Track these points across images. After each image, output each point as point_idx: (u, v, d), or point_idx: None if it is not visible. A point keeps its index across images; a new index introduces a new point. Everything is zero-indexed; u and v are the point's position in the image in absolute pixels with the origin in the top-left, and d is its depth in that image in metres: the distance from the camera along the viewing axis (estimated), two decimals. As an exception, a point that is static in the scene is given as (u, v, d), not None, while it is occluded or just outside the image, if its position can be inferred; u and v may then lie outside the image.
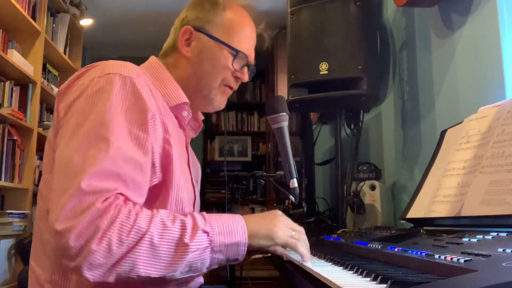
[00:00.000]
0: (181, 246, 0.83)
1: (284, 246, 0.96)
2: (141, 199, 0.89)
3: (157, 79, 1.09)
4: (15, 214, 2.66)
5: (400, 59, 2.13)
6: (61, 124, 0.92)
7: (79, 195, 0.79)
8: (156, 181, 0.96)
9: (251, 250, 0.93)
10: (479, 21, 1.51)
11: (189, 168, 1.14)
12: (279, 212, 1.00)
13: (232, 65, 1.13)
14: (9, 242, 2.68)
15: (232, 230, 0.89)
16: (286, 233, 0.96)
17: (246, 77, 1.17)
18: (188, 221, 0.86)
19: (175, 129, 1.08)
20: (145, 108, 0.92)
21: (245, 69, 1.17)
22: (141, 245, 0.80)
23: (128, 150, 0.87)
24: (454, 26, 1.65)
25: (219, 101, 1.17)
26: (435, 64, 1.80)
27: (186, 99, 1.09)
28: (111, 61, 0.98)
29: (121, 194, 0.83)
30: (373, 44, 2.03)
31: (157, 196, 0.97)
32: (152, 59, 1.15)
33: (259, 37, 1.21)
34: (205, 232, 0.86)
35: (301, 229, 1.01)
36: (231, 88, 1.17)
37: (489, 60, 1.44)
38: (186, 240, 0.83)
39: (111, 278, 0.80)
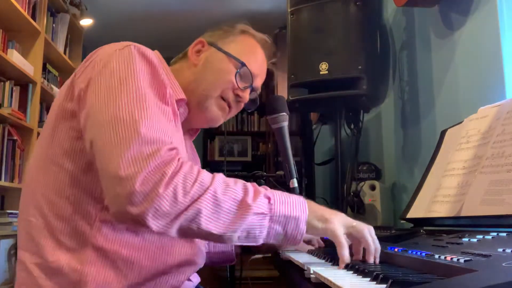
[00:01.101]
0: (243, 206, 0.83)
1: (332, 239, 0.88)
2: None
3: (162, 68, 1.09)
4: (15, 214, 2.66)
5: (400, 59, 2.13)
6: (88, 93, 0.91)
7: (139, 143, 0.81)
8: None
9: (311, 232, 0.89)
10: (479, 21, 1.51)
11: None
12: (350, 218, 0.93)
13: (236, 79, 1.12)
14: (9, 242, 2.68)
15: (293, 203, 0.87)
16: (341, 225, 0.89)
17: (246, 97, 1.15)
18: (250, 185, 0.87)
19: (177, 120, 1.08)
20: (164, 82, 0.94)
21: (247, 90, 1.15)
22: (205, 197, 0.81)
23: (161, 117, 0.89)
24: (454, 26, 1.65)
25: (215, 113, 1.14)
26: (435, 64, 1.80)
27: (183, 96, 1.09)
28: (124, 41, 0.99)
29: (177, 148, 0.84)
30: (373, 44, 2.03)
31: None
32: (157, 53, 1.14)
33: (268, 73, 1.22)
34: (267, 197, 0.85)
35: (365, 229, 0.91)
36: (229, 105, 1.15)
37: (489, 60, 1.44)
38: (249, 201, 0.83)
39: (174, 229, 0.81)
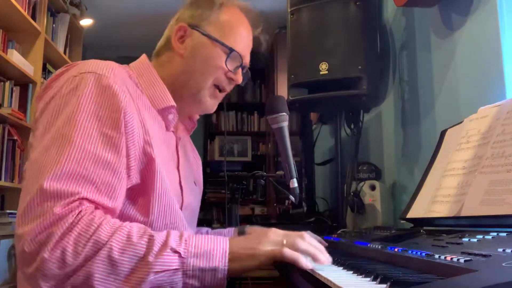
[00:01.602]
0: (143, 265, 0.76)
1: (271, 259, 0.83)
2: (114, 202, 0.84)
3: (144, 80, 1.06)
4: (15, 214, 2.66)
5: (400, 59, 2.13)
6: (35, 126, 0.90)
7: (39, 198, 0.76)
8: (130, 184, 0.91)
9: (239, 274, 0.84)
10: (479, 21, 1.51)
11: (178, 171, 1.10)
12: (271, 229, 0.89)
13: (226, 64, 1.09)
14: (9, 242, 2.68)
15: (210, 252, 0.80)
16: (272, 245, 0.84)
17: (239, 79, 1.13)
18: (159, 238, 0.79)
19: (161, 131, 1.05)
20: (119, 107, 0.88)
21: (239, 70, 1.13)
22: (98, 258, 0.74)
23: (97, 150, 0.83)
24: (454, 26, 1.65)
25: (209, 103, 1.12)
26: (435, 64, 1.80)
27: (173, 102, 1.06)
28: (89, 60, 0.96)
29: (86, 199, 0.79)
30: (373, 44, 2.03)
31: (135, 200, 0.93)
32: (142, 58, 1.12)
33: (256, 40, 1.18)
34: (176, 252, 0.78)
35: (300, 234, 0.89)
36: (223, 89, 1.13)
37: (489, 60, 1.44)
38: (150, 258, 0.76)
39: None
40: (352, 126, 2.18)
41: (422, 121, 1.89)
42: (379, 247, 0.97)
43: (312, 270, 0.83)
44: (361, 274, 0.74)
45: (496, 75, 1.39)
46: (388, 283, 0.60)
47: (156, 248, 0.77)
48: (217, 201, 4.88)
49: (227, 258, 0.81)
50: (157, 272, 0.76)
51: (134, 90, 1.00)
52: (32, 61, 2.99)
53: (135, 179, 0.93)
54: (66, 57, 3.55)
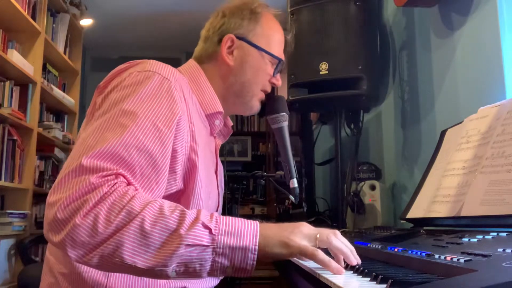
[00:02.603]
0: (174, 237, 0.75)
1: (303, 254, 0.81)
2: (146, 193, 0.83)
3: (195, 84, 1.10)
4: (15, 214, 2.66)
5: (400, 59, 2.13)
6: (91, 117, 0.93)
7: (76, 171, 0.76)
8: (175, 189, 0.93)
9: (267, 259, 0.81)
10: (479, 21, 1.51)
11: (217, 176, 1.15)
12: (304, 223, 0.86)
13: (274, 73, 1.17)
14: (9, 242, 2.68)
15: (241, 232, 0.78)
16: (305, 238, 0.82)
17: (280, 83, 1.20)
18: (190, 214, 0.78)
19: (206, 136, 1.08)
20: (176, 110, 0.91)
21: (278, 74, 1.20)
22: (130, 227, 0.74)
23: (146, 141, 0.83)
24: (454, 26, 1.65)
25: (257, 106, 1.19)
26: (435, 64, 1.80)
27: (221, 109, 1.11)
28: (153, 60, 0.98)
29: (121, 174, 0.79)
30: (373, 44, 2.03)
31: (177, 202, 0.93)
32: (192, 63, 1.16)
33: (285, 43, 1.24)
34: (207, 228, 0.77)
35: (332, 231, 0.86)
36: (265, 92, 1.20)
37: (489, 60, 1.44)
38: (182, 231, 0.75)
39: (94, 260, 0.75)
40: (352, 126, 2.18)
41: (422, 121, 1.89)
42: (379, 247, 0.97)
43: (312, 270, 0.83)
44: (361, 274, 0.74)
45: (496, 75, 1.39)
46: (388, 283, 0.60)
47: (187, 222, 0.76)
48: (217, 201, 4.88)
49: (257, 239, 0.79)
50: (188, 245, 0.75)
51: (189, 96, 1.03)
52: (32, 61, 2.99)
53: (178, 185, 0.95)
54: (66, 57, 3.55)
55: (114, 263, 0.74)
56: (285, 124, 1.27)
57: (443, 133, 1.40)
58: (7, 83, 2.79)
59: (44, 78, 3.24)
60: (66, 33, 3.57)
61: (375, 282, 0.65)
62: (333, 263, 0.79)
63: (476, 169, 1.07)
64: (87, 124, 0.94)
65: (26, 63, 2.88)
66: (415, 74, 1.97)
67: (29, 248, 2.72)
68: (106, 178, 0.76)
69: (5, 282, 2.61)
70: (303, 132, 3.67)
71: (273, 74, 1.17)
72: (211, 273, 0.78)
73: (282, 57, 1.20)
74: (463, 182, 1.11)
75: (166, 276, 0.77)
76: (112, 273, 0.90)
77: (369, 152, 2.49)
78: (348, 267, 0.82)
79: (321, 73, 1.93)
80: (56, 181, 0.78)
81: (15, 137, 2.79)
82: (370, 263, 0.88)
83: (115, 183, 0.77)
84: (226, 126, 1.20)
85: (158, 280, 0.92)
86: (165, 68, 0.96)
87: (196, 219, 0.77)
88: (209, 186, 1.06)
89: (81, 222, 0.73)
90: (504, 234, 0.82)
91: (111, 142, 0.80)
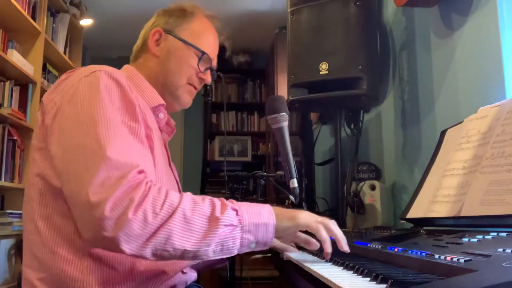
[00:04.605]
0: (212, 220, 0.86)
1: (306, 228, 0.96)
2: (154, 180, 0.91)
3: (133, 83, 1.13)
4: (15, 214, 2.66)
5: (400, 59, 2.13)
6: (58, 121, 0.93)
7: (106, 168, 0.82)
8: None
9: (282, 232, 0.94)
10: (479, 21, 1.51)
11: (171, 168, 1.20)
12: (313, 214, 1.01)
13: (198, 65, 1.22)
14: (9, 242, 2.68)
15: (259, 211, 0.92)
16: (309, 218, 0.97)
17: (209, 79, 1.26)
18: (217, 200, 0.90)
19: (155, 128, 1.12)
20: (132, 100, 0.96)
21: (208, 71, 1.26)
22: (175, 217, 0.83)
23: (129, 137, 0.91)
24: (454, 26, 1.65)
25: (185, 99, 1.24)
26: (435, 64, 1.80)
27: (162, 101, 1.16)
28: (91, 65, 1.03)
29: (144, 171, 0.86)
30: (373, 44, 2.03)
31: None
32: (125, 66, 1.22)
33: (221, 46, 1.32)
34: (234, 209, 0.89)
35: (330, 220, 1.00)
36: (195, 88, 1.25)
37: (489, 60, 1.44)
38: (218, 214, 0.86)
39: (148, 251, 0.82)
40: (352, 126, 2.18)
41: (422, 121, 1.89)
42: (379, 247, 0.97)
43: (312, 270, 0.83)
44: (361, 274, 0.74)
45: (496, 75, 1.39)
46: (388, 283, 0.60)
47: (218, 207, 0.88)
48: (217, 201, 4.87)
49: (274, 215, 0.92)
50: (225, 226, 0.86)
51: (134, 90, 1.05)
52: (32, 61, 2.99)
53: None
54: (66, 57, 3.55)
55: (166, 250, 0.83)
56: (285, 124, 1.27)
57: (443, 133, 1.40)
58: (7, 83, 2.79)
59: (44, 78, 3.24)
60: (66, 33, 3.57)
61: (375, 282, 0.65)
62: (329, 241, 0.94)
63: (476, 169, 1.07)
64: (49, 137, 0.94)
65: (26, 63, 2.88)
66: (415, 74, 1.97)
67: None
68: (140, 176, 0.84)
69: (5, 282, 2.61)
70: (303, 132, 3.67)
71: (198, 66, 1.21)
72: (240, 249, 0.89)
73: (212, 55, 1.25)
74: (463, 182, 1.11)
75: (206, 256, 0.87)
76: (88, 270, 0.91)
77: (369, 152, 2.49)
78: (348, 267, 0.82)
79: (321, 73, 1.92)
80: (84, 182, 0.82)
81: (15, 137, 2.79)
82: (370, 263, 0.88)
83: (147, 181, 0.85)
84: (169, 125, 1.23)
85: (135, 270, 0.95)
86: (107, 66, 1.00)
87: (224, 203, 0.90)
88: (167, 176, 1.10)
89: (133, 217, 0.80)
90: (504, 234, 0.82)
91: (113, 141, 0.86)
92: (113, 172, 0.82)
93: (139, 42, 1.26)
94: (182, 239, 0.83)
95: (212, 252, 0.87)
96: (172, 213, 0.83)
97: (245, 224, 0.89)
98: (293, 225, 0.95)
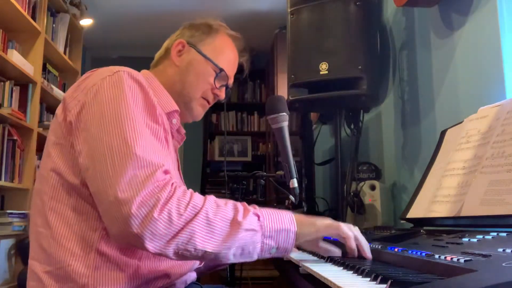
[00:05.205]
0: (234, 224, 0.88)
1: (327, 234, 0.97)
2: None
3: (150, 87, 1.13)
4: (15, 214, 2.66)
5: (400, 59, 2.13)
6: (84, 120, 0.95)
7: (134, 166, 0.85)
8: None
9: (302, 237, 0.95)
10: (479, 21, 1.51)
11: (180, 174, 1.22)
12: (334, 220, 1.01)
13: (214, 81, 1.24)
14: (9, 242, 2.68)
15: (280, 218, 0.93)
16: (331, 224, 0.97)
17: (223, 96, 1.28)
18: (239, 204, 0.92)
19: (169, 132, 1.13)
20: (154, 102, 0.99)
21: (223, 88, 1.28)
22: (198, 219, 0.85)
23: (151, 138, 0.94)
24: (454, 26, 1.65)
25: (198, 111, 1.26)
26: (435, 64, 1.80)
27: (176, 107, 1.17)
28: (112, 66, 1.03)
29: (169, 172, 0.89)
30: (373, 44, 2.03)
31: None
32: (143, 71, 1.23)
33: (239, 66, 1.34)
34: (256, 215, 0.91)
35: (358, 232, 0.99)
36: (208, 102, 1.27)
37: (489, 60, 1.44)
38: (239, 219, 0.88)
39: (171, 250, 0.85)
40: (352, 126, 2.18)
41: (422, 121, 1.89)
42: (379, 247, 0.97)
43: (312, 270, 0.83)
44: (361, 274, 0.74)
45: (496, 75, 1.39)
46: (388, 283, 0.60)
47: (241, 211, 0.90)
48: (217, 201, 4.87)
49: (295, 221, 0.94)
50: (246, 230, 0.88)
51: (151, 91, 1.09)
52: (32, 61, 2.99)
53: None
54: (66, 57, 3.55)
55: (187, 249, 0.85)
56: (285, 124, 1.28)
57: (443, 133, 1.40)
58: (7, 83, 2.79)
59: (44, 78, 3.24)
60: (66, 33, 3.57)
61: (375, 282, 0.65)
62: (353, 239, 0.95)
63: (476, 169, 1.07)
64: (76, 132, 0.96)
65: (26, 63, 2.88)
66: (415, 74, 1.97)
67: (29, 248, 2.72)
68: (166, 177, 0.87)
69: (5, 282, 2.61)
70: (303, 132, 3.67)
71: (214, 82, 1.24)
72: (260, 254, 0.91)
73: (230, 73, 1.27)
74: (463, 182, 1.11)
75: (227, 259, 0.89)
76: (95, 266, 0.92)
77: (369, 152, 2.49)
78: (348, 267, 0.83)
79: (321, 73, 1.92)
80: (112, 179, 0.85)
81: (15, 137, 2.79)
82: (370, 263, 0.88)
83: (173, 182, 0.88)
84: (179, 132, 1.25)
85: (139, 272, 0.96)
86: (128, 68, 1.02)
87: (246, 208, 0.92)
88: (179, 181, 1.12)
89: (158, 217, 0.82)
90: (504, 234, 0.82)
91: (139, 141, 0.89)
92: (140, 171, 0.85)
93: (161, 50, 1.29)
94: (204, 240, 0.85)
95: (232, 256, 0.89)
96: (196, 215, 0.86)
97: (266, 230, 0.90)
98: (314, 231, 0.96)
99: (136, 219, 0.81)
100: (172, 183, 0.87)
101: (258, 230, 0.90)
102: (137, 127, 0.91)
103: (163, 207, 0.83)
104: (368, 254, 0.95)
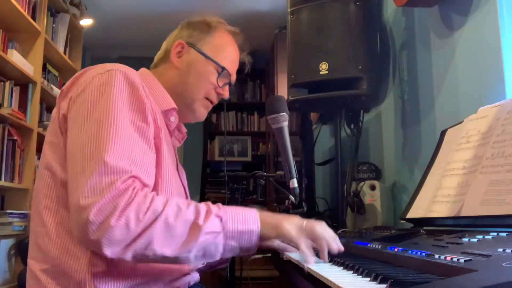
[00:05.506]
0: (194, 228, 0.87)
1: (289, 241, 0.95)
2: (151, 181, 0.94)
3: (148, 86, 1.14)
4: (15, 214, 2.66)
5: (400, 59, 2.13)
6: (68, 117, 0.96)
7: (99, 173, 0.85)
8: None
9: (267, 238, 0.94)
10: (479, 21, 1.51)
11: (179, 173, 1.20)
12: (293, 216, 0.98)
13: (217, 81, 1.22)
14: (9, 242, 2.68)
15: (245, 218, 0.92)
16: (294, 226, 0.94)
17: (227, 94, 1.26)
18: (202, 207, 0.91)
19: (165, 131, 1.12)
20: (144, 100, 0.98)
21: (227, 86, 1.26)
22: (157, 224, 0.85)
23: (135, 138, 0.93)
24: (454, 26, 1.65)
25: (201, 112, 1.25)
26: (435, 64, 1.80)
27: (174, 105, 1.16)
28: (107, 63, 1.03)
29: (135, 177, 0.88)
30: (373, 44, 2.03)
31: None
32: (142, 70, 1.22)
33: (241, 62, 1.32)
34: (218, 217, 0.90)
35: (318, 223, 0.97)
36: (212, 102, 1.26)
37: (489, 60, 1.44)
38: (200, 222, 0.87)
39: (129, 255, 0.85)
40: (352, 126, 2.18)
41: (422, 121, 1.89)
42: (379, 247, 0.97)
43: (312, 270, 0.83)
44: (361, 274, 0.74)
45: (496, 75, 1.39)
46: (388, 283, 0.60)
47: (202, 214, 0.89)
48: (217, 201, 4.80)
49: (259, 222, 0.93)
50: (207, 233, 0.87)
51: (146, 91, 1.07)
52: (32, 61, 2.99)
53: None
54: (66, 57, 3.55)
55: (146, 255, 0.85)
56: (285, 124, 1.28)
57: (443, 133, 1.40)
58: (7, 83, 2.79)
59: (44, 78, 3.24)
60: (66, 33, 3.57)
61: (375, 282, 0.65)
62: (311, 257, 0.91)
63: (476, 169, 1.07)
64: (63, 129, 0.97)
65: (26, 63, 2.88)
66: (415, 74, 1.97)
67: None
68: (127, 183, 0.86)
69: (5, 282, 2.61)
70: (303, 132, 3.67)
71: (217, 82, 1.22)
72: (223, 254, 0.91)
73: (232, 70, 1.26)
74: (463, 182, 1.11)
75: (188, 261, 0.89)
76: (91, 263, 0.92)
77: (369, 152, 2.49)
78: (348, 267, 0.82)
79: (321, 73, 1.92)
80: (79, 185, 0.85)
81: (15, 137, 2.79)
82: (370, 263, 0.88)
83: (135, 186, 0.86)
84: (180, 131, 1.25)
85: (137, 270, 0.96)
86: (123, 66, 1.02)
87: (208, 211, 0.90)
88: (175, 180, 1.10)
89: (115, 224, 0.82)
90: (504, 234, 0.82)
91: (114, 145, 0.88)
92: (105, 178, 0.84)
93: (160, 52, 1.28)
94: (163, 245, 0.85)
95: (194, 258, 0.89)
96: (155, 220, 0.85)
97: (228, 231, 0.90)
98: (276, 235, 0.94)
99: (93, 225, 0.82)
100: (134, 188, 0.86)
101: (220, 231, 0.89)
102: (115, 130, 0.89)
103: (121, 214, 0.83)
104: (335, 249, 0.94)
